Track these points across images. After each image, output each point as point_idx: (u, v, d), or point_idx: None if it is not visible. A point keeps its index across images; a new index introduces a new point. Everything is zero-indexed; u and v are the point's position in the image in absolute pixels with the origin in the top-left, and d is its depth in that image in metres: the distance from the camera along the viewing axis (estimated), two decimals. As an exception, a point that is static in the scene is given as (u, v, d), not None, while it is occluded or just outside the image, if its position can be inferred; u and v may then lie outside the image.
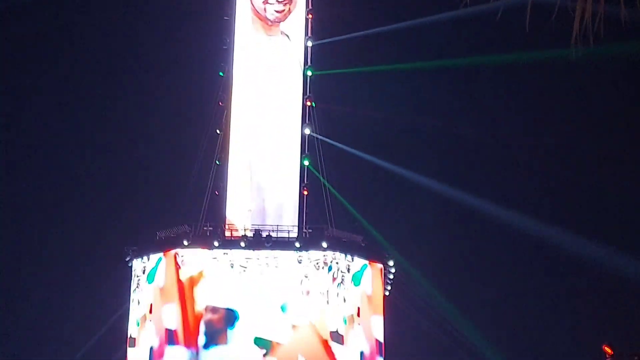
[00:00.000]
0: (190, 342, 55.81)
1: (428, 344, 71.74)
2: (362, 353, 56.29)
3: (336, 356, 55.42)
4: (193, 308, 56.39)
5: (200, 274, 56.97)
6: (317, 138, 62.11)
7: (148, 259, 58.53)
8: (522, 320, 74.19)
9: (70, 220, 73.93)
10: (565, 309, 75.60)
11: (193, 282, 56.90)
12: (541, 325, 74.54)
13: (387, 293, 60.40)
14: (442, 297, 70.42)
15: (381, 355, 57.29)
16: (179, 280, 57.00)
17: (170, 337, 56.31)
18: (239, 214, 60.80)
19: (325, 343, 55.65)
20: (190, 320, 56.21)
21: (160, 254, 57.90)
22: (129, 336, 58.38)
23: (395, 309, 60.56)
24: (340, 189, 62.42)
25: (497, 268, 76.19)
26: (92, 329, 66.01)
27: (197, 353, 55.51)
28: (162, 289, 57.27)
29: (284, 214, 61.18)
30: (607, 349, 27.37)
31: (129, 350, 58.00)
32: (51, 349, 69.40)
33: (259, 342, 55.64)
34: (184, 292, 56.75)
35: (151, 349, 56.42)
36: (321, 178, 60.87)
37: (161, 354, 56.02)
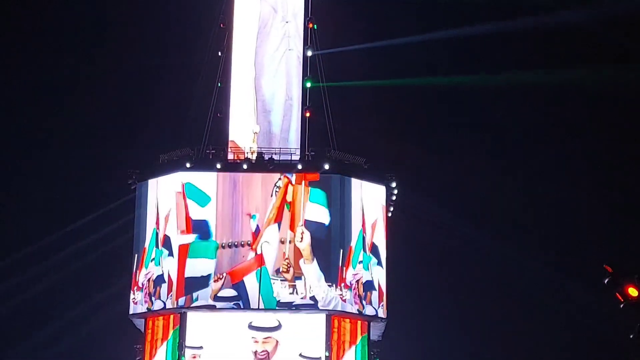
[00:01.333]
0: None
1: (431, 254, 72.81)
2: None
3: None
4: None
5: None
6: (319, 60, 61.82)
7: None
8: (527, 231, 74.34)
9: (73, 144, 74.01)
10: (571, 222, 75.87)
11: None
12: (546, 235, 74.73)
13: (389, 214, 60.71)
14: (446, 210, 71.08)
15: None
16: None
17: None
18: (242, 137, 60.74)
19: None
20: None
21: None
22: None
23: (398, 227, 61.12)
24: (343, 111, 62.39)
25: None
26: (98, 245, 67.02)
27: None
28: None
29: (287, 137, 61.13)
30: (608, 268, 27.41)
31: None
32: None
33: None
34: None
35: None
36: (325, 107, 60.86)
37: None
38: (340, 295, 56.10)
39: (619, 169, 73.47)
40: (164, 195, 58.48)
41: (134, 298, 58.24)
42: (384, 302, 57.83)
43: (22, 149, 75.99)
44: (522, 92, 72.86)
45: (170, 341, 56.59)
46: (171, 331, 56.70)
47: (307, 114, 61.37)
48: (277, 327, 55.86)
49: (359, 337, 57.20)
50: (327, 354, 55.62)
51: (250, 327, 55.78)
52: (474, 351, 70.16)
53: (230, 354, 55.64)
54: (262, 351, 55.56)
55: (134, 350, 58.63)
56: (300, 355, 55.71)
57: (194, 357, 55.81)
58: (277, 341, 55.78)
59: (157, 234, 58.23)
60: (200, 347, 55.94)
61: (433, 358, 68.44)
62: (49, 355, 64.54)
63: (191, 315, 56.31)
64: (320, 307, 55.75)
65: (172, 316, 56.74)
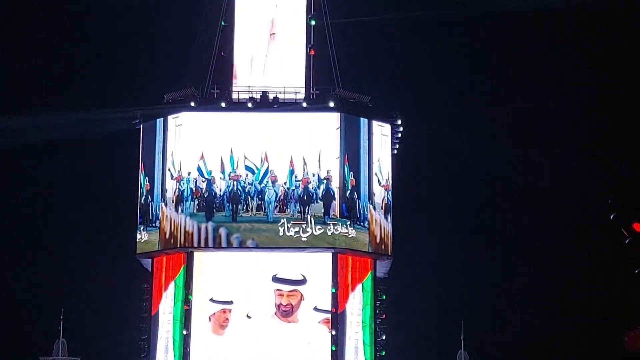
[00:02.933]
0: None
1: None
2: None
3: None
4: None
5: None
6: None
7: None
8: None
9: (75, 85, 73.67)
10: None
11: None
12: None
13: (394, 152, 60.67)
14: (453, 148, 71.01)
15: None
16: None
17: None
18: (246, 76, 60.49)
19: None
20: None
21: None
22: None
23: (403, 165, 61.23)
24: (348, 49, 61.97)
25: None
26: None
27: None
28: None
29: (292, 76, 60.74)
30: (614, 203, 27.37)
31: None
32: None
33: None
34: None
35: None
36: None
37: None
38: (346, 233, 56.44)
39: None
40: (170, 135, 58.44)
41: (140, 238, 58.51)
42: (390, 239, 58.09)
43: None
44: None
45: (179, 279, 57.01)
46: (179, 271, 57.12)
47: (312, 53, 61.00)
48: (302, 281, 56.18)
49: (366, 275, 57.61)
50: (334, 291, 56.04)
51: (275, 279, 56.10)
52: (478, 284, 70.60)
53: (255, 307, 56.11)
54: (287, 304, 55.99)
55: (141, 290, 59.03)
56: (315, 308, 56.12)
57: (224, 312, 56.25)
58: (301, 295, 56.06)
59: (162, 173, 58.30)
60: (231, 302, 56.31)
61: (440, 293, 68.94)
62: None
63: (199, 257, 56.61)
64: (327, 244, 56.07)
65: (182, 256, 57.09)
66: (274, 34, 61.38)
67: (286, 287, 56.22)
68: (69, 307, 60.19)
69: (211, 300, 56.42)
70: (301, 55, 60.92)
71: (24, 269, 70.36)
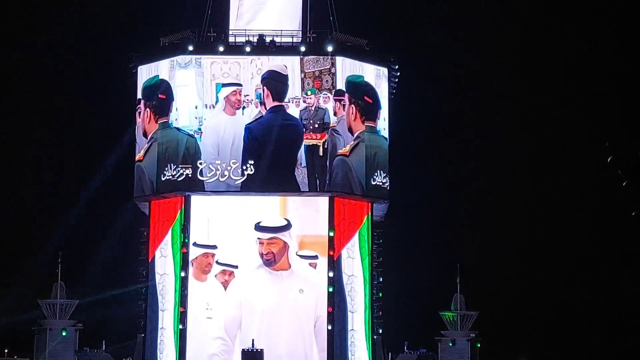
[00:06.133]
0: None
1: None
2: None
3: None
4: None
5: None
6: None
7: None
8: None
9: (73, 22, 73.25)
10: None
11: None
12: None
13: (392, 96, 60.63)
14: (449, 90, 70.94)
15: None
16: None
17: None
18: (243, 20, 60.15)
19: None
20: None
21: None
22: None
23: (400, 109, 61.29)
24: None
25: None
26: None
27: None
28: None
29: (288, 19, 60.38)
30: (611, 146, 27.44)
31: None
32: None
33: None
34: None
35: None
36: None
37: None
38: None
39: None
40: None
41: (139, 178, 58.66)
42: (388, 182, 58.22)
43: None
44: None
45: (176, 225, 57.24)
46: (177, 214, 57.32)
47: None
48: (287, 227, 56.23)
49: (363, 219, 57.86)
50: (332, 234, 56.30)
51: (258, 227, 56.16)
52: (474, 227, 71.06)
53: (240, 254, 56.23)
54: (268, 253, 55.92)
55: (138, 233, 59.26)
56: (296, 254, 56.30)
57: (207, 256, 56.41)
58: (284, 243, 56.11)
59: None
60: (215, 247, 56.53)
61: (436, 236, 69.35)
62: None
63: (196, 200, 56.80)
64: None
65: (179, 200, 57.36)
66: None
67: (266, 235, 56.04)
68: (68, 250, 60.49)
69: (194, 244, 56.62)
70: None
71: (22, 210, 70.72)
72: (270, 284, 55.84)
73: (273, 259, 55.84)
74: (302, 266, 56.22)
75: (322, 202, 56.91)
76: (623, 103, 69.96)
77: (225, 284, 56.00)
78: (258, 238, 56.02)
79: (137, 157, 58.86)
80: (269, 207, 56.71)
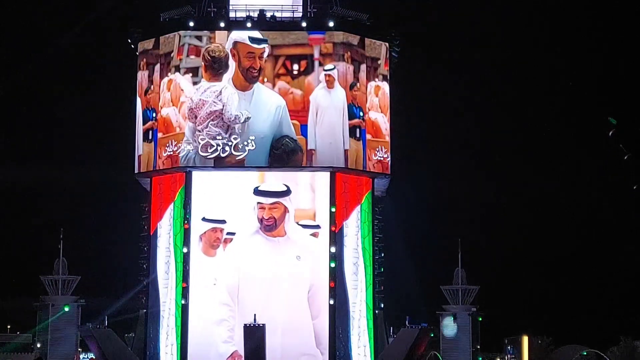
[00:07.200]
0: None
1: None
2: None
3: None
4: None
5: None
6: None
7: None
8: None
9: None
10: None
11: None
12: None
13: (392, 71, 60.44)
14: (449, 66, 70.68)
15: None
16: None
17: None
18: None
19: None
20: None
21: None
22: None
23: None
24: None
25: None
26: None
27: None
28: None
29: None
30: (612, 121, 27.43)
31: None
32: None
33: None
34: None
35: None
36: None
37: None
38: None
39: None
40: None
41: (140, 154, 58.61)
42: (389, 158, 58.17)
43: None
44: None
45: (177, 201, 57.23)
46: (178, 190, 57.29)
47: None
48: (286, 192, 56.18)
49: (364, 195, 57.84)
50: (333, 210, 56.26)
51: (257, 192, 56.13)
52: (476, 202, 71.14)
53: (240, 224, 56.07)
54: (269, 218, 55.90)
55: (140, 209, 59.26)
56: (298, 224, 56.24)
57: (215, 231, 56.22)
58: (285, 208, 56.06)
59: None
60: (224, 222, 56.22)
61: (437, 210, 69.47)
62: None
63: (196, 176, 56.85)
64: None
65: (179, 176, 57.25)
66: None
67: (268, 200, 55.85)
68: (69, 226, 60.57)
69: (203, 219, 56.58)
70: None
71: (24, 188, 70.78)
72: (268, 249, 55.70)
73: (274, 224, 55.70)
74: (299, 233, 56.02)
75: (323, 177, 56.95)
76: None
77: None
78: (258, 203, 55.88)
79: (137, 132, 58.78)
80: (269, 179, 56.69)
